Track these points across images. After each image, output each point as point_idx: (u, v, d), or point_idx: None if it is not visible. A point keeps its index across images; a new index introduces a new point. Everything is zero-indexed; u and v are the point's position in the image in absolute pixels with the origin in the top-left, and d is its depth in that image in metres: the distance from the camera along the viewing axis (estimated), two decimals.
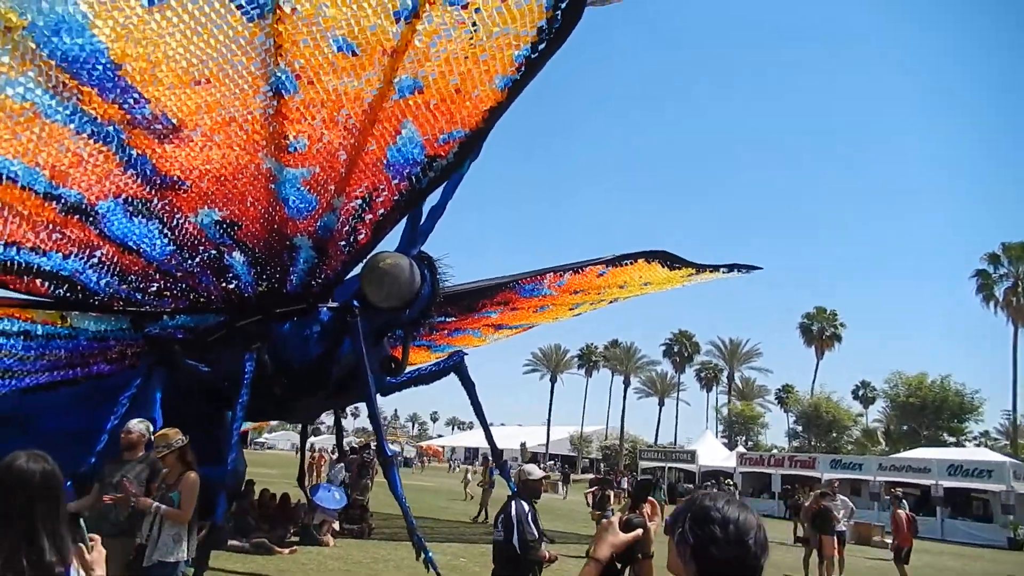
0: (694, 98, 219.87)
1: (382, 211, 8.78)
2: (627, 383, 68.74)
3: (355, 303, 9.47)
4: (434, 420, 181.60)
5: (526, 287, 13.23)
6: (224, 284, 9.39)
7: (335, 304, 10.00)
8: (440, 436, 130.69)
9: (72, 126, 6.18)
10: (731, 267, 15.60)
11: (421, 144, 7.74)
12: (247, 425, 21.29)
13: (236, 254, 8.82)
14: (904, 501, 14.94)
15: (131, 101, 6.04)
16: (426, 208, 10.02)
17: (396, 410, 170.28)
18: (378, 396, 12.65)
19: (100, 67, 5.61)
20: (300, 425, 17.01)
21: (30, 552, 2.00)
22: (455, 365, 12.60)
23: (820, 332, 54.66)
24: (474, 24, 6.24)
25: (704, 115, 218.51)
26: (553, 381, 76.83)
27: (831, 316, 55.27)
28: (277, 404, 10.97)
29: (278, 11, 5.63)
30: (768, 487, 33.56)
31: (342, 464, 17.00)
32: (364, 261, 9.76)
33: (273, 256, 9.11)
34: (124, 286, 8.70)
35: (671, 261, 13.77)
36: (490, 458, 17.62)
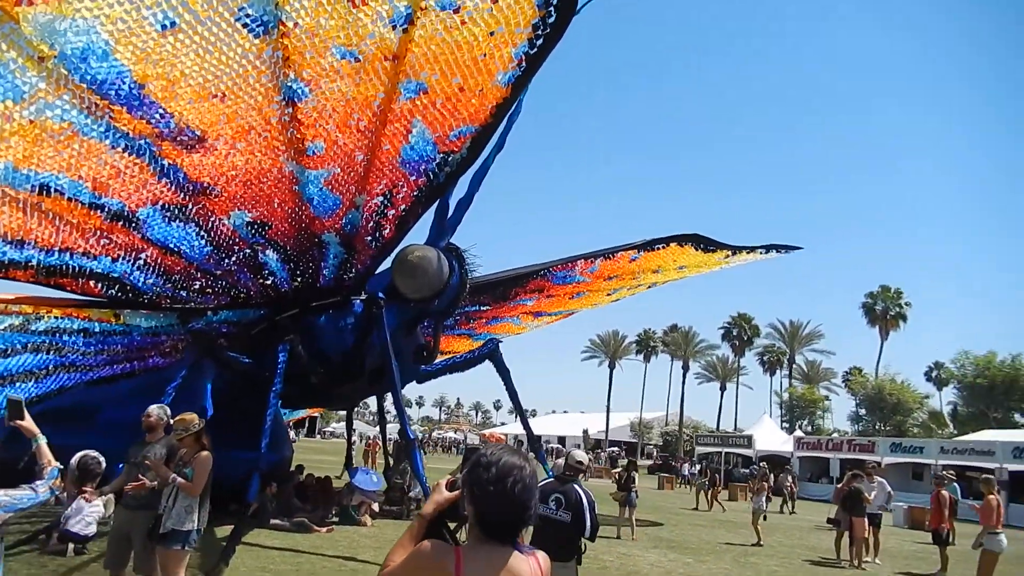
0: (754, 69, 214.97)
1: (404, 206, 9.22)
2: (686, 368, 67.93)
3: (380, 295, 9.93)
4: (497, 408, 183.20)
5: (558, 274, 13.49)
6: (261, 280, 9.98)
7: (364, 296, 10.46)
8: (503, 424, 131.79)
9: (107, 142, 6.76)
10: (769, 248, 15.50)
11: (432, 141, 8.12)
12: (301, 413, 22.22)
13: (269, 252, 9.38)
14: (955, 483, 14.65)
15: (157, 116, 6.58)
16: (453, 201, 10.42)
17: (459, 398, 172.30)
18: (418, 383, 13.24)
19: (126, 87, 6.15)
20: (346, 413, 17.61)
21: None
22: (490, 352, 13.01)
23: (884, 312, 52.82)
24: (467, 26, 6.56)
25: (762, 88, 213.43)
26: (612, 367, 76.59)
27: (895, 295, 53.32)
28: (316, 392, 11.57)
29: (281, 26, 6.06)
30: (827, 471, 32.97)
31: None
32: (394, 254, 10.23)
33: (304, 253, 9.64)
34: (169, 285, 9.37)
35: (705, 244, 13.80)
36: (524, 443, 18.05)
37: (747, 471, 37.13)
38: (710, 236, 13.62)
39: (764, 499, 14.68)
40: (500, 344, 13.52)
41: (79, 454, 7.77)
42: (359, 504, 11.83)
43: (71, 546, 7.97)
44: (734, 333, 62.43)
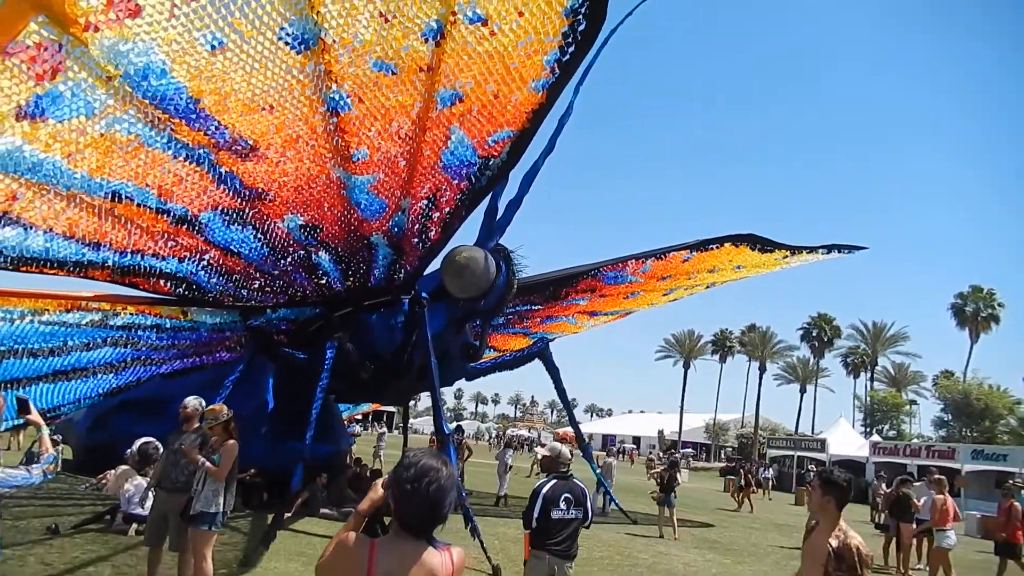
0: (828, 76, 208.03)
1: (448, 209, 9.59)
2: (763, 369, 66.22)
3: (423, 294, 10.32)
4: (574, 407, 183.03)
5: (609, 274, 13.63)
6: (316, 280, 10.53)
7: (422, 295, 10.86)
8: (579, 423, 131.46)
9: (170, 152, 7.34)
10: (831, 248, 15.23)
11: (471, 147, 8.45)
12: (366, 407, 22.97)
13: (322, 253, 9.90)
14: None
15: (212, 128, 7.11)
16: (503, 203, 10.74)
17: (533, 396, 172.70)
18: (468, 380, 13.61)
19: (183, 102, 6.69)
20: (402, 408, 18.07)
21: None
22: (539, 351, 13.30)
23: (975, 313, 50.30)
24: (496, 37, 6.85)
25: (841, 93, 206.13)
26: (686, 367, 75.50)
27: (988, 296, 50.78)
28: (367, 387, 12.07)
29: (320, 43, 6.47)
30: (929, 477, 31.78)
31: (509, 450, 17.97)
32: (443, 255, 10.62)
33: (355, 254, 10.12)
34: (231, 284, 10.01)
35: (761, 244, 13.69)
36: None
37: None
38: (767, 236, 13.54)
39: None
40: (550, 343, 13.81)
41: (140, 441, 8.41)
42: None
43: (133, 526, 8.60)
44: (814, 334, 60.50)
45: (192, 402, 6.39)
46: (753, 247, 13.76)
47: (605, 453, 20.11)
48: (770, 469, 36.61)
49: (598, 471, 15.12)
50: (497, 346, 16.83)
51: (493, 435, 72.77)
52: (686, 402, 75.00)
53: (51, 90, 6.10)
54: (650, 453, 61.27)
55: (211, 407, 6.06)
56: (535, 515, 5.07)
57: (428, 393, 15.60)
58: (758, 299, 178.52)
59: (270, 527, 8.86)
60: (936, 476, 11.37)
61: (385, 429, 39.63)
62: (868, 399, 56.31)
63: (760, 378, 65.91)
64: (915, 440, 42.20)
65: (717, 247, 13.42)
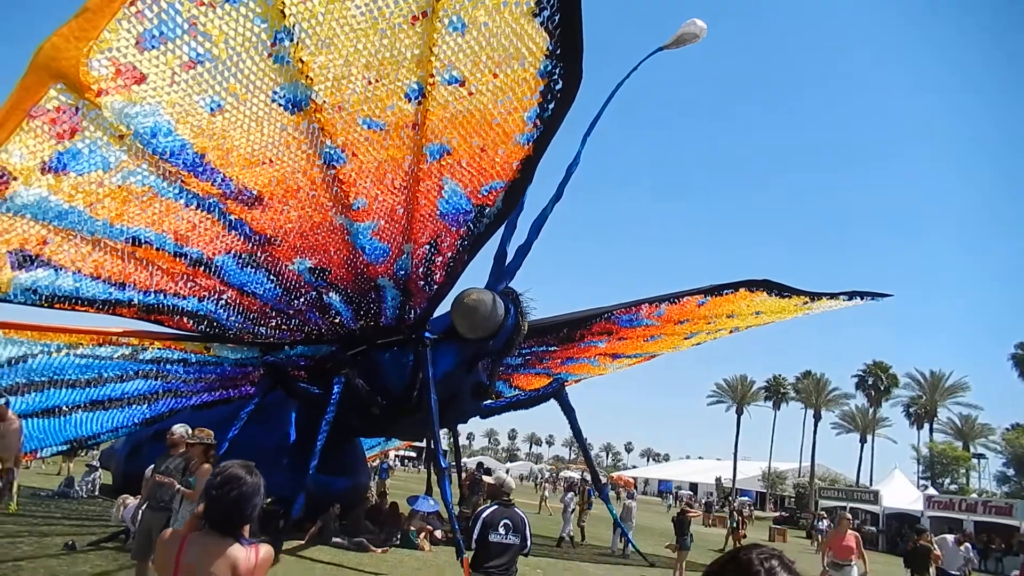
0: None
1: (450, 254, 10.05)
2: (818, 417, 64.17)
3: (427, 335, 10.75)
4: (628, 451, 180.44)
5: (623, 317, 13.83)
6: (330, 319, 11.08)
7: (425, 336, 11.30)
8: (634, 467, 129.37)
9: (182, 201, 8.01)
10: (852, 295, 15.12)
11: (465, 196, 8.91)
12: (396, 443, 23.38)
13: (332, 294, 10.45)
14: None
15: (219, 180, 7.75)
16: (512, 248, 11.16)
17: (586, 438, 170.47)
18: (482, 418, 13.90)
19: (189, 157, 7.34)
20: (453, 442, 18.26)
21: None
22: (555, 391, 13.53)
23: None
24: (475, 97, 7.32)
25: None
26: (739, 413, 73.81)
27: None
28: (381, 423, 12.49)
29: (312, 103, 7.05)
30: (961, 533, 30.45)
31: (572, 493, 17.70)
32: (453, 297, 11.07)
33: (363, 295, 10.64)
34: (249, 323, 10.61)
35: (778, 289, 13.72)
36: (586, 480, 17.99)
37: (872, 529, 34.91)
38: (780, 282, 13.57)
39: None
40: (566, 384, 14.04)
41: (152, 467, 8.96)
42: (419, 529, 12.58)
43: None
44: (869, 382, 58.49)
45: (178, 429, 6.91)
46: (770, 293, 13.78)
47: (627, 496, 19.98)
48: (824, 520, 35.48)
49: (614, 512, 15.11)
50: (521, 386, 17.13)
51: (539, 478, 72.15)
52: (742, 449, 73.09)
53: (71, 147, 6.80)
54: (705, 499, 60.03)
55: (201, 428, 6.56)
56: (475, 537, 5.38)
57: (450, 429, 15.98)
58: (814, 344, 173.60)
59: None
60: (843, 514, 11.52)
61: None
62: (928, 451, 53.96)
63: (815, 426, 63.89)
64: (973, 495, 40.22)
65: (732, 292, 13.49)
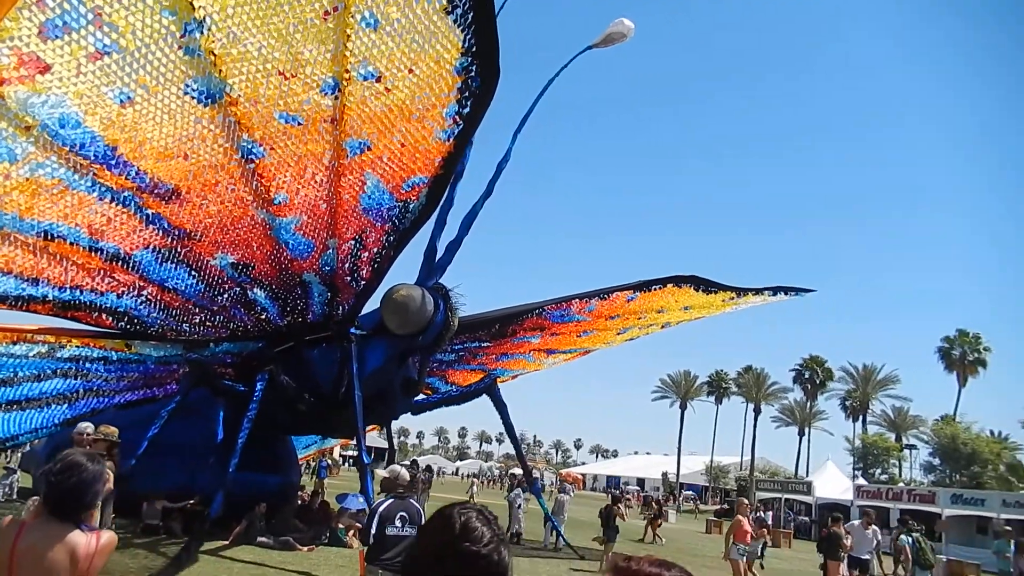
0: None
1: (376, 249, 10.07)
2: (757, 411, 65.92)
3: (352, 331, 10.77)
4: (578, 447, 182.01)
5: (554, 313, 14.01)
6: (255, 316, 10.99)
7: (351, 332, 11.30)
8: (583, 463, 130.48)
9: (95, 194, 7.86)
10: (776, 290, 15.60)
11: (387, 191, 8.95)
12: (333, 442, 23.22)
13: (257, 290, 10.37)
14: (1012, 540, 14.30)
15: (132, 173, 7.64)
16: (442, 244, 11.21)
17: (535, 436, 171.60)
18: (413, 415, 13.95)
19: (100, 149, 7.21)
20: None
21: None
22: (487, 387, 13.66)
23: (962, 357, 50.30)
24: (392, 93, 7.39)
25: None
26: (683, 408, 75.35)
27: (974, 339, 50.70)
28: (311, 420, 12.43)
29: (227, 96, 7.01)
30: (887, 522, 31.70)
31: (518, 490, 17.29)
32: (383, 292, 11.08)
33: (289, 291, 10.59)
34: (171, 319, 10.46)
35: (704, 285, 14.08)
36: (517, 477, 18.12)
37: (805, 519, 36.07)
38: (706, 278, 13.95)
39: (761, 545, 14.64)
40: (500, 379, 14.17)
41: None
42: (348, 527, 12.57)
43: None
44: (806, 376, 60.41)
45: (83, 426, 6.82)
46: (697, 288, 14.13)
47: (557, 490, 20.27)
48: (768, 513, 36.48)
49: (545, 506, 15.33)
50: (457, 382, 17.18)
51: (472, 476, 72.10)
52: (687, 444, 74.57)
53: None
54: (689, 495, 61.19)
55: (106, 425, 6.48)
56: (372, 531, 5.43)
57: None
58: (755, 339, 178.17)
59: (181, 551, 9.19)
60: (739, 498, 13.44)
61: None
62: (861, 443, 55.96)
63: (755, 420, 65.61)
64: (900, 484, 41.88)
65: (660, 288, 13.79)
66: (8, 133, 6.78)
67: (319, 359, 11.67)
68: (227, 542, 10.95)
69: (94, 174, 7.56)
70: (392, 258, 10.24)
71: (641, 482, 74.91)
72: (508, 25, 10.05)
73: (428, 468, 22.22)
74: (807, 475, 54.74)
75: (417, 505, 5.79)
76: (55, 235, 8.23)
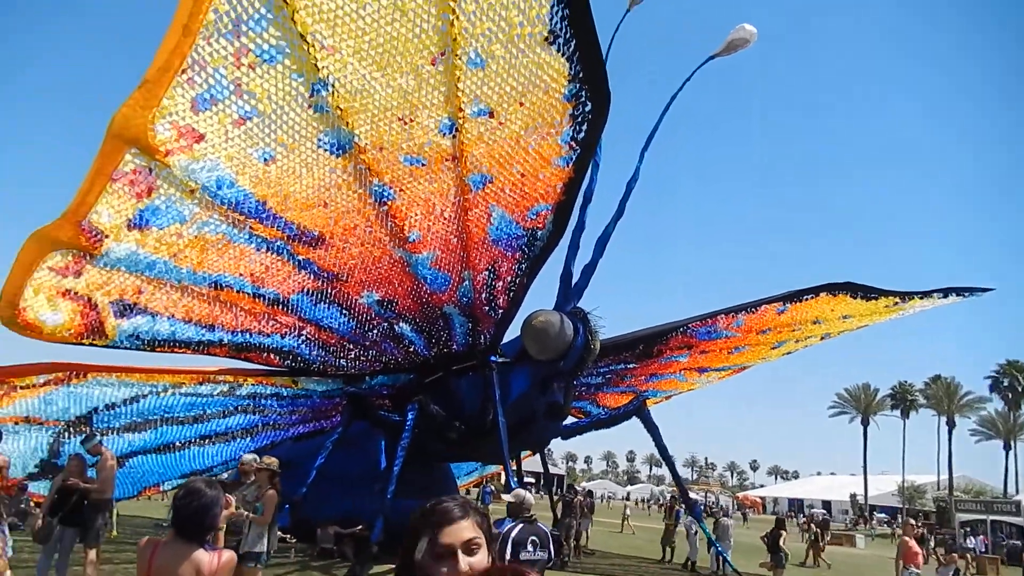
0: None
1: (509, 278, 10.38)
2: (951, 424, 59.89)
3: (493, 358, 11.07)
4: (754, 469, 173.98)
5: (700, 330, 13.68)
6: (404, 348, 11.61)
7: (491, 359, 11.63)
8: (761, 485, 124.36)
9: (253, 246, 8.74)
10: (947, 292, 14.34)
11: (513, 221, 9.23)
12: (492, 469, 23.72)
13: (403, 324, 10.97)
14: None
15: (281, 224, 8.42)
16: (578, 268, 11.37)
17: (706, 457, 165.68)
18: (563, 439, 14.04)
19: (252, 205, 8.04)
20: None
21: None
22: (636, 409, 13.52)
23: None
24: (506, 127, 7.67)
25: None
26: (865, 424, 69.87)
27: None
28: (462, 447, 12.85)
29: (355, 146, 7.59)
30: None
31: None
32: (523, 319, 11.37)
33: (432, 323, 11.12)
34: (330, 355, 11.29)
35: (862, 292, 13.24)
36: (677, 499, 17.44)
37: (1017, 543, 32.16)
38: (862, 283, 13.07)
39: (951, 572, 13.27)
40: (646, 400, 13.98)
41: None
42: None
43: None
44: (1004, 383, 54.18)
45: (248, 458, 7.50)
46: (854, 295, 13.29)
47: (721, 513, 19.45)
48: (976, 537, 33.01)
49: (708, 531, 14.79)
50: (608, 405, 17.11)
51: (624, 499, 70.24)
52: (876, 463, 68.98)
53: (149, 204, 7.61)
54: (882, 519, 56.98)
55: (268, 457, 7.12)
56: (507, 558, 5.52)
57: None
58: (935, 346, 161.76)
59: (349, 572, 9.77)
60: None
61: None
62: None
63: (950, 434, 59.51)
64: None
65: (813, 297, 13.11)
66: (177, 197, 7.71)
67: (466, 388, 12.11)
68: (394, 566, 11.49)
69: (250, 227, 8.41)
70: (526, 285, 10.49)
71: (827, 504, 70.09)
72: (619, 41, 10.09)
73: (589, 492, 22.21)
74: (1016, 493, 48.91)
75: (545, 529, 5.86)
76: (223, 284, 9.19)
